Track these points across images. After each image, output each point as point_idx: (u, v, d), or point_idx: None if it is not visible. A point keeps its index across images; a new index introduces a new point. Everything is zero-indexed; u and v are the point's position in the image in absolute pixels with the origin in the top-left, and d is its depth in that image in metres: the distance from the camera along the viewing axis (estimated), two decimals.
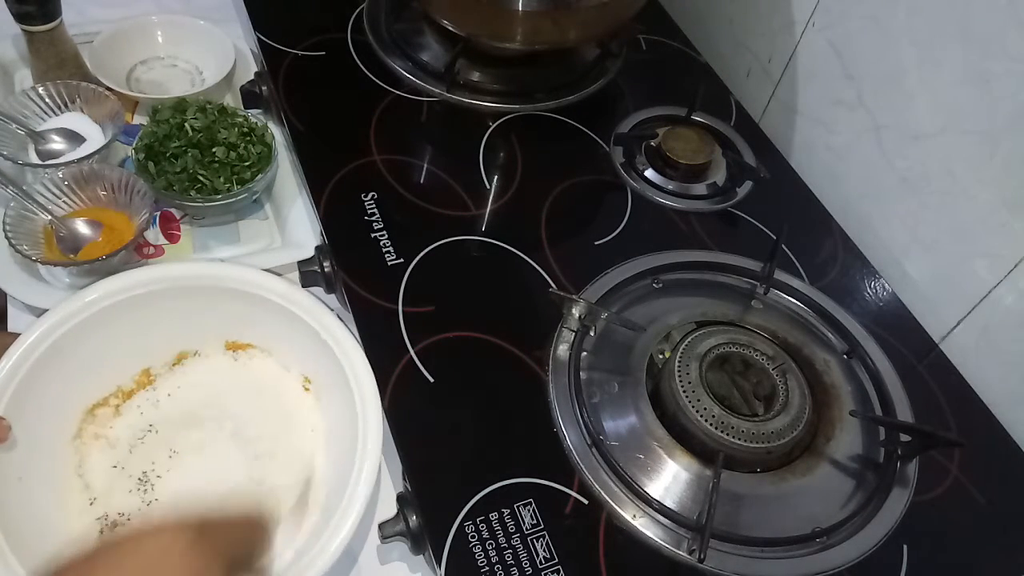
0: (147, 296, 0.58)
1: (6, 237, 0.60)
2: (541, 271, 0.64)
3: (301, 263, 0.64)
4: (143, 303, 0.58)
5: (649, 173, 0.74)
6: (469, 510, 0.51)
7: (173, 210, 0.70)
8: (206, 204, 0.67)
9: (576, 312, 0.60)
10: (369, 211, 0.66)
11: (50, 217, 0.62)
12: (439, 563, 0.48)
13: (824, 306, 0.65)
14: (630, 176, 0.73)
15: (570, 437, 0.54)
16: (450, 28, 0.74)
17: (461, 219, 0.67)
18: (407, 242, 0.64)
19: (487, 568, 0.49)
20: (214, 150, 0.67)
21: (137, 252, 0.66)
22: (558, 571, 0.49)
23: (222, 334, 0.61)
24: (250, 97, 0.75)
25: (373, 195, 0.67)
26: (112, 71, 0.76)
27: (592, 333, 0.60)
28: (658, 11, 0.92)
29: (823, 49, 0.75)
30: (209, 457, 0.56)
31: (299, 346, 0.60)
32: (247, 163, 0.68)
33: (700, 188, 0.73)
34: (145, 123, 0.70)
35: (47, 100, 0.71)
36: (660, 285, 0.65)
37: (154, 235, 0.69)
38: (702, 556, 0.49)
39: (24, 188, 0.62)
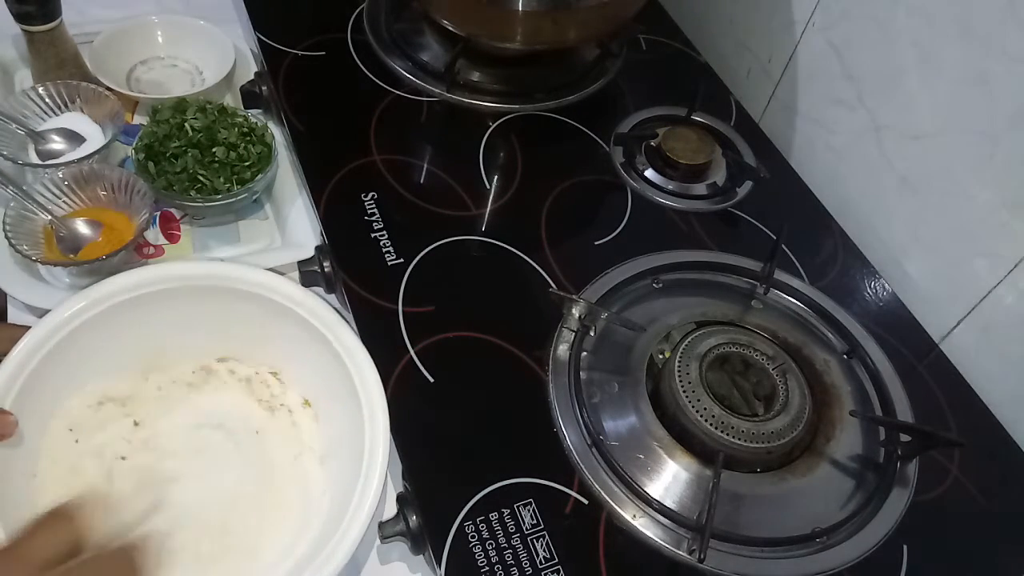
0: (154, 295, 0.58)
1: (6, 237, 0.60)
2: (541, 271, 0.64)
3: (301, 263, 0.64)
4: (150, 302, 0.58)
5: (649, 173, 0.74)
6: (469, 510, 0.51)
7: (173, 210, 0.70)
8: (206, 204, 0.67)
9: (576, 312, 0.60)
10: (369, 211, 0.66)
11: (50, 217, 0.62)
12: (439, 563, 0.48)
13: (824, 306, 0.65)
14: (630, 176, 0.73)
15: (570, 437, 0.54)
16: (450, 28, 0.74)
17: (461, 219, 0.67)
18: (407, 242, 0.64)
19: (487, 568, 0.49)
20: (214, 150, 0.67)
21: (137, 252, 0.66)
22: (558, 571, 0.49)
23: (227, 336, 0.61)
24: (250, 97, 0.75)
25: (373, 195, 0.67)
26: (112, 71, 0.76)
27: (592, 333, 0.60)
28: (658, 11, 0.92)
29: (823, 49, 0.75)
30: (210, 461, 0.56)
31: (306, 351, 0.59)
32: (247, 163, 0.68)
33: (700, 188, 0.73)
34: (145, 123, 0.69)
35: (47, 100, 0.71)
36: (660, 285, 0.65)
37: (154, 235, 0.69)
38: (702, 556, 0.49)
39: (24, 188, 0.62)
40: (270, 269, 0.64)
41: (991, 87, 0.60)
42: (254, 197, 0.71)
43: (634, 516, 0.52)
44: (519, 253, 0.65)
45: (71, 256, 0.62)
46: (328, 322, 0.57)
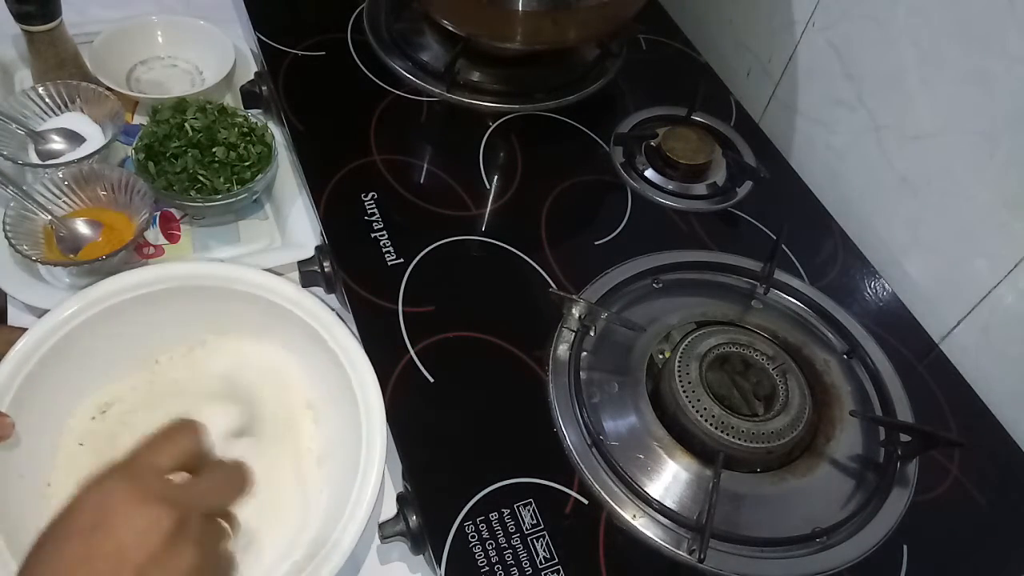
0: (154, 295, 0.58)
1: (6, 237, 0.60)
2: (541, 271, 0.64)
3: (301, 263, 0.64)
4: (150, 301, 0.58)
5: (649, 173, 0.74)
6: (469, 510, 0.51)
7: (173, 210, 0.70)
8: (206, 204, 0.67)
9: (576, 312, 0.60)
10: (369, 211, 0.66)
11: (50, 217, 0.62)
12: (439, 563, 0.48)
13: (824, 306, 0.65)
14: (630, 176, 0.73)
15: (570, 437, 0.54)
16: (450, 28, 0.74)
17: (461, 219, 0.67)
18: (407, 242, 0.64)
19: (487, 568, 0.49)
20: (214, 150, 0.67)
21: (137, 252, 0.67)
22: (558, 571, 0.49)
23: (225, 336, 0.61)
24: (250, 97, 0.75)
25: (373, 195, 0.67)
26: (112, 71, 0.76)
27: (592, 333, 0.60)
28: (658, 11, 0.92)
29: (823, 49, 0.75)
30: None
31: (304, 352, 0.60)
32: (247, 163, 0.68)
33: (700, 188, 0.73)
34: (145, 123, 0.70)
35: (47, 100, 0.71)
36: (660, 285, 0.65)
37: (154, 235, 0.69)
38: (702, 556, 0.49)
39: (24, 188, 0.62)
40: (270, 269, 0.64)
41: (991, 87, 0.60)
42: (254, 197, 0.71)
43: (634, 516, 0.52)
44: (519, 253, 0.65)
45: (71, 256, 0.62)
46: (325, 322, 0.57)
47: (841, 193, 0.75)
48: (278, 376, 0.60)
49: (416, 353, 0.58)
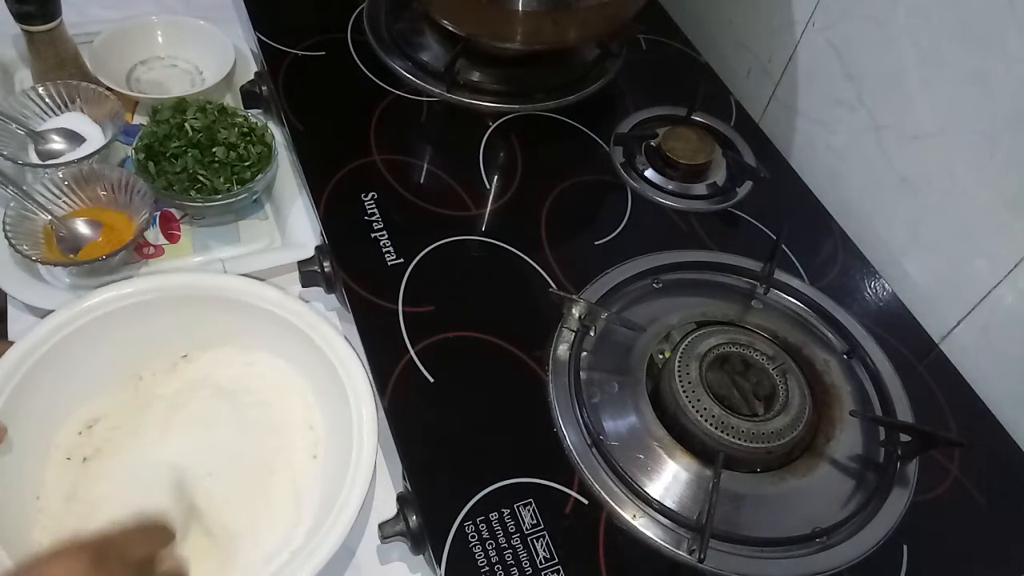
0: (143, 304, 0.58)
1: (6, 237, 0.60)
2: (541, 271, 0.64)
3: (301, 263, 0.64)
4: (140, 311, 0.58)
5: (649, 173, 0.74)
6: (469, 510, 0.51)
7: (173, 210, 0.70)
8: (206, 204, 0.67)
9: (576, 312, 0.60)
10: (369, 211, 0.66)
11: (50, 217, 0.62)
12: (439, 563, 0.48)
13: (824, 306, 0.65)
14: (630, 176, 0.73)
15: (570, 437, 0.54)
16: (450, 28, 0.74)
17: (461, 219, 0.67)
18: (407, 242, 0.64)
19: (487, 568, 0.49)
20: (214, 150, 0.67)
21: (137, 252, 0.66)
22: (558, 571, 0.49)
23: (219, 344, 0.61)
24: (250, 97, 0.75)
25: (373, 195, 0.67)
26: (112, 71, 0.76)
27: (592, 333, 0.60)
28: (658, 11, 0.92)
29: (823, 49, 0.75)
30: (202, 465, 0.56)
31: (295, 355, 0.60)
32: (247, 163, 0.68)
33: (700, 188, 0.73)
34: (145, 123, 0.70)
35: (47, 100, 0.71)
36: (660, 285, 0.65)
37: (154, 235, 0.69)
38: (702, 556, 0.49)
39: (24, 188, 0.62)
40: (270, 269, 0.65)
41: (991, 87, 0.60)
42: (254, 197, 0.71)
43: (634, 516, 0.52)
44: (519, 253, 0.65)
45: (71, 256, 0.62)
46: (311, 321, 0.58)
47: (841, 193, 0.75)
48: (267, 379, 0.60)
49: (416, 353, 0.58)
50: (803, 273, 0.68)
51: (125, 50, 0.79)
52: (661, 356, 0.60)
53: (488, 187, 0.70)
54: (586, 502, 0.52)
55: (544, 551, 0.50)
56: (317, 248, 0.65)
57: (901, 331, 0.66)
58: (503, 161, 0.73)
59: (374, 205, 0.66)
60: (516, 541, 0.50)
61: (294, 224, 0.69)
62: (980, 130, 0.62)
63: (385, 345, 0.58)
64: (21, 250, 0.59)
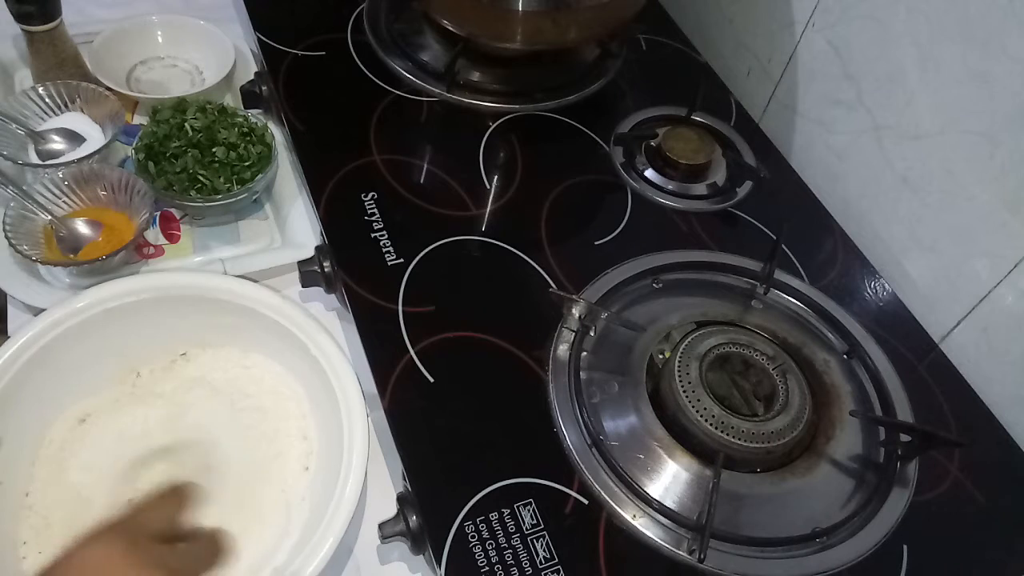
0: (136, 304, 0.58)
1: (6, 237, 0.60)
2: (541, 271, 0.64)
3: (301, 263, 0.64)
4: (132, 311, 0.58)
5: (649, 173, 0.74)
6: (469, 510, 0.51)
7: (173, 210, 0.70)
8: (206, 204, 0.67)
9: (576, 312, 0.60)
10: (369, 211, 0.66)
11: (50, 217, 0.62)
12: (439, 563, 0.48)
13: (824, 306, 0.65)
14: (630, 176, 0.73)
15: (570, 437, 0.54)
16: (450, 28, 0.74)
17: (461, 219, 0.67)
18: (407, 242, 0.64)
19: (487, 568, 0.49)
20: (214, 150, 0.67)
21: (137, 252, 0.66)
22: (558, 571, 0.49)
23: (218, 344, 0.61)
24: (250, 97, 0.75)
25: (373, 195, 0.67)
26: (112, 71, 0.76)
27: (592, 333, 0.60)
28: (658, 11, 0.92)
29: (823, 49, 0.75)
30: (193, 468, 0.56)
31: (292, 362, 0.60)
32: (247, 163, 0.68)
33: (700, 188, 0.73)
34: (145, 123, 0.70)
35: (47, 100, 0.71)
36: (660, 285, 0.65)
37: (154, 235, 0.69)
38: (702, 556, 0.49)
39: (24, 188, 0.62)
40: (270, 269, 0.65)
41: (991, 87, 0.60)
42: (254, 197, 0.71)
43: (634, 516, 0.52)
44: (519, 253, 0.65)
45: (71, 256, 0.62)
46: (307, 330, 0.58)
47: (841, 193, 0.75)
48: (264, 383, 0.60)
49: (416, 353, 0.58)
50: (803, 273, 0.68)
51: (125, 50, 0.80)
52: (661, 356, 0.60)
53: (488, 187, 0.70)
54: (586, 502, 0.52)
55: (544, 551, 0.50)
56: (317, 248, 0.65)
57: (901, 331, 0.66)
58: (503, 161, 0.73)
59: (374, 205, 0.66)
60: (516, 541, 0.50)
61: (294, 224, 0.69)
62: (980, 130, 0.62)
63: (385, 345, 0.58)
64: (21, 250, 0.59)
